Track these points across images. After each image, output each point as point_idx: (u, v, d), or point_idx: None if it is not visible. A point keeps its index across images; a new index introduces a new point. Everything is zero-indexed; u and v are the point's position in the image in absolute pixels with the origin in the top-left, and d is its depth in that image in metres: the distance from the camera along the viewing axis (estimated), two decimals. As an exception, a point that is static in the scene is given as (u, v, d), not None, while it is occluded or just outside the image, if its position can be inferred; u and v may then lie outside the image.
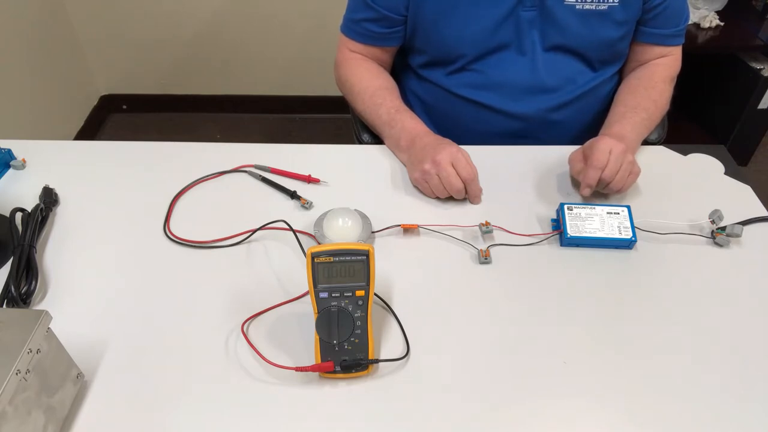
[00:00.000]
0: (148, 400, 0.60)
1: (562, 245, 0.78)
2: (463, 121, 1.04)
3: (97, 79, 2.29)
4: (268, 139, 2.22)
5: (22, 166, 0.90)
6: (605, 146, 0.80)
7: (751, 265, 0.76)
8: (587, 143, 0.84)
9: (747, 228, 0.79)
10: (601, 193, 0.84)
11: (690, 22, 1.85)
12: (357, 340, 0.61)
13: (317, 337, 0.61)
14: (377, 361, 0.63)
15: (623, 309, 0.70)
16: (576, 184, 0.86)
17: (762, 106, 1.90)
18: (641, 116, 0.92)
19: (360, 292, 0.61)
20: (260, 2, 2.06)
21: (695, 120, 2.15)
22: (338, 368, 0.61)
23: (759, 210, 0.84)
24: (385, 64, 1.06)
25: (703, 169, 0.92)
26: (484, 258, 0.75)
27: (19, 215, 0.77)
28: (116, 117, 2.37)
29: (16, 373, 0.49)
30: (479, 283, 0.73)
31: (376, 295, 0.69)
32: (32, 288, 0.69)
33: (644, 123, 0.92)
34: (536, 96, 0.99)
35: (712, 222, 0.79)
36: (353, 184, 0.88)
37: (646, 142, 0.95)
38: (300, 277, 0.73)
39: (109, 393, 0.61)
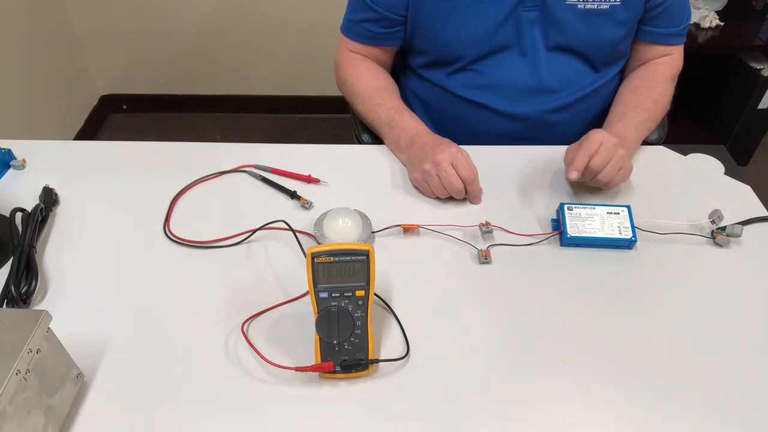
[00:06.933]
0: (149, 400, 0.60)
1: (562, 245, 0.78)
2: (463, 122, 1.03)
3: (96, 79, 2.29)
4: (268, 139, 2.22)
5: (22, 166, 0.90)
6: (598, 137, 0.80)
7: (751, 265, 0.76)
8: (583, 136, 0.84)
9: (747, 228, 0.79)
10: (594, 188, 0.85)
11: (690, 22, 1.85)
12: (357, 340, 0.61)
13: (317, 337, 0.61)
14: (377, 361, 0.63)
15: (623, 309, 0.70)
16: (574, 181, 0.86)
17: (762, 106, 1.90)
18: (642, 117, 0.92)
19: (360, 292, 0.61)
20: (260, 2, 2.07)
21: (695, 120, 2.15)
22: (338, 368, 0.61)
23: (759, 210, 0.84)
24: (384, 64, 1.06)
25: (703, 169, 0.92)
26: (484, 258, 0.75)
27: (19, 215, 0.77)
28: (116, 117, 2.37)
29: (16, 373, 0.49)
30: (479, 283, 0.73)
31: (376, 295, 0.69)
32: (32, 288, 0.69)
33: (645, 123, 0.92)
34: (537, 97, 0.99)
35: (712, 222, 0.79)
36: (353, 184, 0.88)
37: (646, 142, 0.95)
38: (300, 277, 0.73)
39: (109, 393, 0.61)
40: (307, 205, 0.83)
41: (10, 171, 0.90)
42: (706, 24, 1.84)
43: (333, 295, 0.61)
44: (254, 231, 0.78)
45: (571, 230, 0.77)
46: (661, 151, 0.95)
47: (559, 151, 0.91)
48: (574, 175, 0.79)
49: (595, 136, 0.81)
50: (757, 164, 2.09)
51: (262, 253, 0.76)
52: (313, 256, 0.60)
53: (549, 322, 0.68)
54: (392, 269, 0.74)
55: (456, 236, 0.79)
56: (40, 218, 0.77)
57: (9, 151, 0.90)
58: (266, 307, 0.69)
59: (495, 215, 0.81)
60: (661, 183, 0.88)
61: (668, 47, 1.00)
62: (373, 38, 1.01)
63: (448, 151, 0.82)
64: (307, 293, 0.69)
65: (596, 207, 0.79)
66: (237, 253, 0.76)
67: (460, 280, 0.73)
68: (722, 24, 1.85)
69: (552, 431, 0.58)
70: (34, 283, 0.69)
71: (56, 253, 0.76)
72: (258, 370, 0.63)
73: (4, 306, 0.67)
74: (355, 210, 0.79)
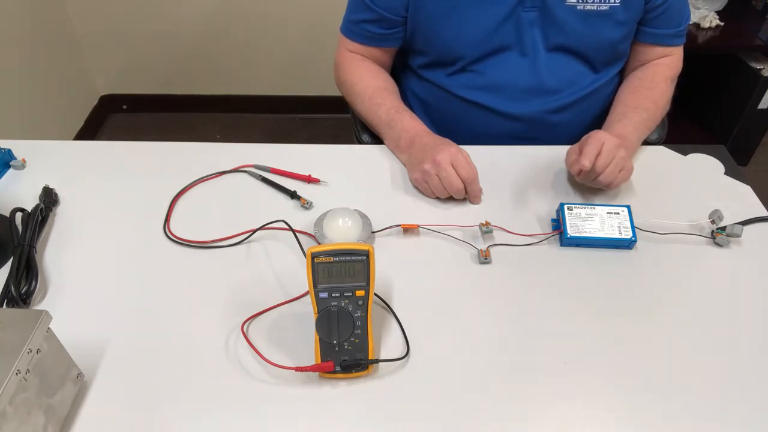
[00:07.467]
0: (149, 399, 0.60)
1: (562, 245, 0.78)
2: (464, 122, 1.03)
3: (96, 79, 2.29)
4: (268, 139, 2.22)
5: (22, 166, 0.90)
6: (600, 138, 0.80)
7: (751, 265, 0.76)
8: (584, 137, 0.84)
9: (747, 228, 0.79)
10: (594, 188, 0.85)
11: (690, 22, 1.85)
12: (357, 340, 0.61)
13: (317, 337, 0.61)
14: (377, 361, 0.63)
15: (623, 309, 0.70)
16: (574, 181, 0.86)
17: (762, 106, 1.91)
18: (642, 117, 0.92)
19: (360, 292, 0.61)
20: (260, 2, 2.06)
21: (695, 120, 2.15)
22: (338, 368, 0.61)
23: (759, 210, 0.84)
24: (384, 64, 1.06)
25: (703, 169, 0.92)
26: (484, 258, 0.75)
27: (19, 215, 0.77)
28: (116, 117, 2.37)
29: (16, 373, 0.49)
30: (479, 283, 0.73)
31: (376, 295, 0.69)
32: (32, 288, 0.69)
33: (645, 123, 0.92)
34: (537, 98, 0.99)
35: (712, 222, 0.79)
36: (353, 184, 0.88)
37: (646, 142, 0.95)
38: (300, 277, 0.73)
39: (109, 393, 0.61)
40: (307, 205, 0.83)
41: (10, 171, 0.90)
42: (706, 24, 1.84)
43: (333, 295, 0.61)
44: (254, 231, 0.78)
45: (571, 230, 0.77)
46: (661, 151, 0.95)
47: (559, 151, 0.91)
48: (586, 162, 0.77)
49: (597, 137, 0.81)
50: (757, 164, 2.09)
51: (262, 253, 0.76)
52: (313, 256, 0.60)
53: (549, 322, 0.68)
54: (392, 269, 0.74)
55: (456, 236, 0.79)
56: (40, 218, 0.77)
57: (9, 151, 0.90)
58: (266, 307, 0.69)
59: (495, 215, 0.81)
60: (661, 183, 0.88)
61: (668, 48, 1.00)
62: (372, 39, 1.01)
63: (448, 151, 0.82)
64: (307, 293, 0.69)
65: (596, 207, 0.79)
66: (237, 253, 0.76)
67: (460, 280, 0.73)
68: (722, 24, 1.85)
69: (552, 431, 0.58)
70: (34, 283, 0.69)
71: (56, 253, 0.76)
72: (258, 370, 0.63)
73: (4, 306, 0.67)
74: (355, 210, 0.79)
